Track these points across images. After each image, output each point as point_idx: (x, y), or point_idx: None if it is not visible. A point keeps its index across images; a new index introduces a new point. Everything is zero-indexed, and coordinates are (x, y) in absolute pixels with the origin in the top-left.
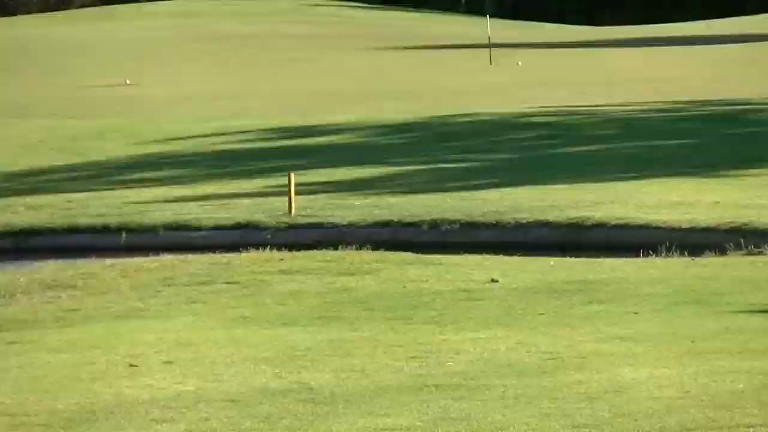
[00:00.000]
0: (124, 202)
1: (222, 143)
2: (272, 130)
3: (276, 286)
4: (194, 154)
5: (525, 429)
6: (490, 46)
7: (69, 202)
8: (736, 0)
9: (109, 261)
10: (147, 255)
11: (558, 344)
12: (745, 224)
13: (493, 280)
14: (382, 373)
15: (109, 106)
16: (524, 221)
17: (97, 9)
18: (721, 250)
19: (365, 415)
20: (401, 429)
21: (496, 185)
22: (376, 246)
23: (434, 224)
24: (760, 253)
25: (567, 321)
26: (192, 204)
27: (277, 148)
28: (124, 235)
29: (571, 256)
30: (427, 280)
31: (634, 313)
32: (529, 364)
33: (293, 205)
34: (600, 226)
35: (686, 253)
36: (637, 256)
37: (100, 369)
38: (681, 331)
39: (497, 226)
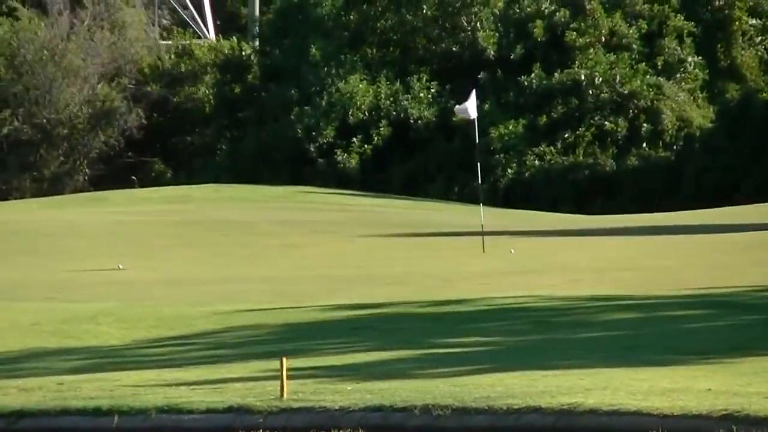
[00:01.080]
0: (116, 384)
1: (214, 327)
2: (264, 313)
3: None
4: (186, 338)
5: None
6: (483, 233)
7: (60, 384)
8: (727, 190)
9: None
10: None
11: None
12: (737, 411)
13: None
14: None
15: (101, 290)
16: (516, 407)
17: (89, 194)
18: None
19: None
20: None
21: (488, 371)
22: (368, 430)
23: (426, 409)
24: None
25: None
26: (184, 387)
27: (269, 332)
28: (116, 417)
29: None
30: None
31: None
32: None
33: (285, 389)
34: (592, 412)
35: None
36: None
37: None
38: None
39: (489, 411)
